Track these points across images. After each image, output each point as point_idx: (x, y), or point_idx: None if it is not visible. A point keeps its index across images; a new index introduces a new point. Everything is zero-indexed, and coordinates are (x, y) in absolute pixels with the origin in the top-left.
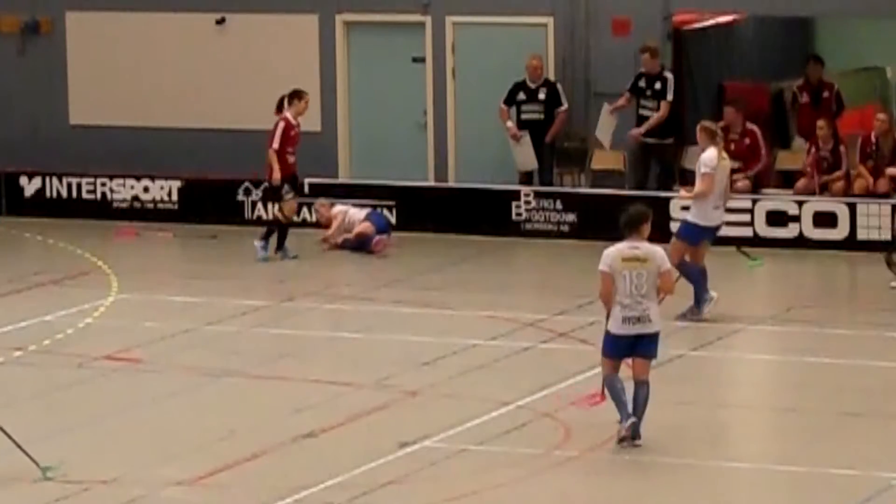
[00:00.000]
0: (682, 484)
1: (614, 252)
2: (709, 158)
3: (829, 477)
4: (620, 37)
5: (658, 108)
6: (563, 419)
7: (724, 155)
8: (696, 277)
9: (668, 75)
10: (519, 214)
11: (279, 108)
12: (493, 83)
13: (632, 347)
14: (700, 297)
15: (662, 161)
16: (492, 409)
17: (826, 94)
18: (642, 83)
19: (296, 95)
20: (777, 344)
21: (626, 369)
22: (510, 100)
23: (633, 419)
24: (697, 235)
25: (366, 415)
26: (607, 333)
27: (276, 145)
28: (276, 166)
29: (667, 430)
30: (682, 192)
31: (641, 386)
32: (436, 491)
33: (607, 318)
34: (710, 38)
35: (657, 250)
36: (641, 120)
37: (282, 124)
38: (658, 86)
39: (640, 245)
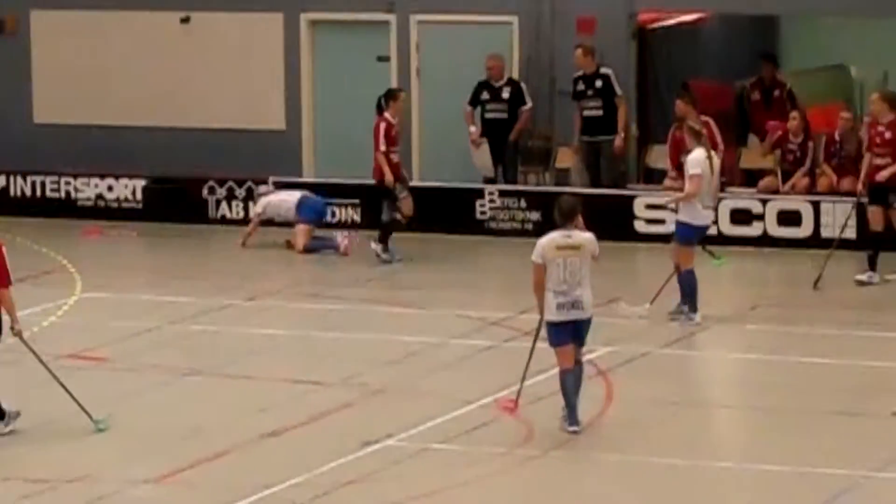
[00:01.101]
0: (646, 483)
1: (548, 241)
2: (696, 159)
3: (797, 475)
4: (585, 35)
5: (602, 107)
6: (525, 418)
7: (713, 154)
8: (691, 289)
9: (608, 71)
10: (483, 213)
11: (379, 110)
12: (458, 82)
13: (572, 333)
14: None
15: (610, 158)
16: (455, 407)
17: (777, 92)
18: (581, 86)
19: (391, 96)
20: (742, 342)
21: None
22: (475, 100)
23: (577, 428)
24: (692, 235)
25: (330, 413)
26: (548, 324)
27: (382, 147)
28: (386, 168)
29: (631, 428)
30: (672, 195)
31: (575, 367)
32: (399, 489)
33: (540, 309)
34: (675, 36)
35: (589, 237)
36: (588, 122)
37: (383, 125)
38: (599, 84)
39: (572, 233)
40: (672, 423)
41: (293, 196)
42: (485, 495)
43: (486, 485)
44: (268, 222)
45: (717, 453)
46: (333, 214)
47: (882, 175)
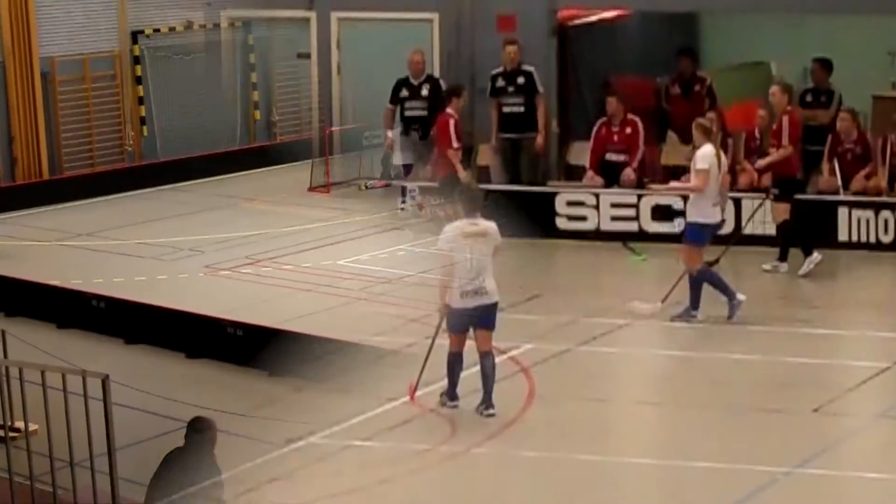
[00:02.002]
0: (566, 479)
1: (455, 229)
2: (705, 155)
3: (713, 471)
4: (505, 32)
5: (524, 104)
6: (448, 415)
7: (721, 152)
8: (716, 281)
9: (530, 68)
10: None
11: (442, 108)
12: (378, 79)
13: (473, 320)
14: (696, 302)
15: (530, 155)
16: (378, 404)
17: (698, 87)
18: (501, 82)
19: (456, 92)
20: (661, 339)
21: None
22: (395, 98)
23: (457, 403)
24: (703, 234)
25: (252, 411)
26: (448, 308)
27: (455, 144)
28: (459, 166)
29: (553, 424)
30: (675, 184)
31: (486, 357)
32: (322, 487)
33: (442, 296)
34: (596, 33)
35: (494, 226)
36: (509, 119)
37: (452, 122)
38: (521, 80)
39: (478, 221)
40: (593, 419)
41: None
42: (408, 492)
43: (409, 482)
44: None
45: (638, 450)
46: None
47: (759, 164)
